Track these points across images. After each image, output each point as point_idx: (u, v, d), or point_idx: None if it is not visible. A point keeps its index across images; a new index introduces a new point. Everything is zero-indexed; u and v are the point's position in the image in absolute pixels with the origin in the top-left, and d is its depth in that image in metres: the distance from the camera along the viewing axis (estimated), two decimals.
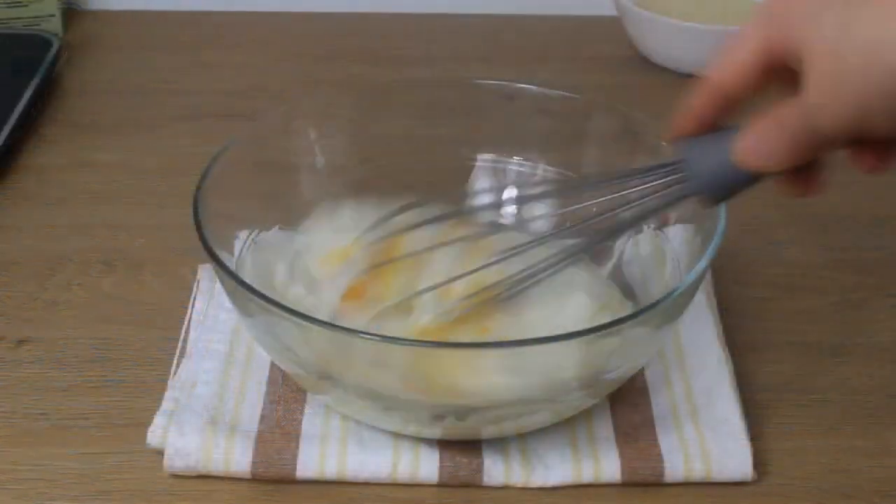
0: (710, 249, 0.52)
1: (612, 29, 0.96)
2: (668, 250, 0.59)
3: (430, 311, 0.54)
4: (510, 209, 0.65)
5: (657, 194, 0.50)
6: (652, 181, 0.50)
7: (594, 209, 0.54)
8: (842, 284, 0.68)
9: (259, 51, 0.96)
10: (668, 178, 0.50)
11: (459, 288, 0.55)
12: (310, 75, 0.92)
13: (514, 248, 0.55)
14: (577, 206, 0.56)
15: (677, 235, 0.59)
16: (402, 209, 0.57)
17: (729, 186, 0.48)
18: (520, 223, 0.65)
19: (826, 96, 0.42)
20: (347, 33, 0.99)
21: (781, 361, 0.62)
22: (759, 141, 0.45)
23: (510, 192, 0.66)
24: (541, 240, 0.57)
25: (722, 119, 0.48)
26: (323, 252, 0.59)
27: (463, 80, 0.67)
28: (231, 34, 0.99)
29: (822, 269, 0.69)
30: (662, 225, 0.60)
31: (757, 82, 0.46)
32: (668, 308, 0.50)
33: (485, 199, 0.66)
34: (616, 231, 0.56)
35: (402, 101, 0.66)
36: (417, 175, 0.66)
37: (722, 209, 0.53)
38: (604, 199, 0.53)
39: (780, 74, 0.45)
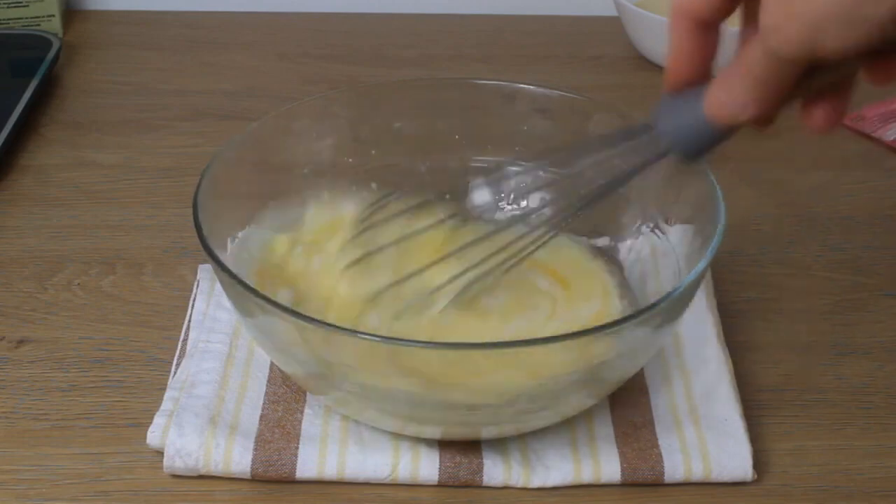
0: (710, 249, 0.52)
1: (612, 29, 0.96)
2: (667, 251, 0.59)
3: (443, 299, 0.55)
4: (488, 197, 0.65)
5: (632, 156, 0.50)
6: (624, 146, 0.50)
7: (572, 183, 0.54)
8: (842, 284, 0.68)
9: (259, 51, 0.96)
10: (640, 140, 0.49)
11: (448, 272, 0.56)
12: (310, 75, 0.92)
13: (495, 229, 0.56)
14: (554, 184, 0.56)
15: (677, 235, 0.59)
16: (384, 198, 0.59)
17: (702, 142, 0.48)
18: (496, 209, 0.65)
19: (778, 16, 0.41)
20: (347, 33, 0.99)
21: (781, 361, 0.62)
22: (726, 92, 0.45)
23: (490, 184, 0.66)
24: (519, 218, 0.57)
25: (709, 57, 0.47)
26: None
27: (463, 80, 0.67)
28: (231, 34, 0.99)
29: (822, 269, 0.69)
30: (664, 224, 0.60)
31: (724, 4, 0.45)
32: (668, 308, 0.50)
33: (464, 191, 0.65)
34: (593, 199, 0.54)
35: (401, 101, 0.66)
36: (417, 175, 0.66)
37: (721, 209, 0.53)
38: (579, 170, 0.53)
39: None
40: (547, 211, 0.59)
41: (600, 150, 0.52)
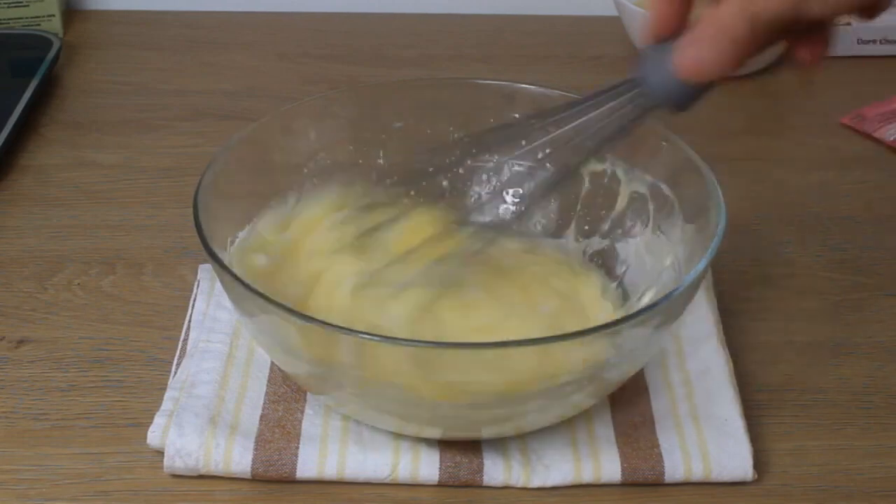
0: (710, 249, 0.52)
1: (612, 29, 0.96)
2: (667, 251, 0.59)
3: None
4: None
5: (619, 112, 0.50)
6: (612, 100, 0.50)
7: (558, 139, 0.53)
8: (842, 284, 0.68)
9: (259, 51, 0.96)
10: (629, 95, 0.49)
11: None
12: (310, 75, 0.92)
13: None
14: (540, 141, 0.55)
15: (677, 235, 0.59)
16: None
17: (688, 94, 0.48)
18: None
19: None
20: (347, 33, 0.99)
21: (781, 361, 0.62)
22: (698, 51, 0.45)
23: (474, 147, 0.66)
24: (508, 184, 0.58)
25: (687, 13, 0.48)
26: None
27: (463, 80, 0.67)
28: (231, 34, 0.99)
29: (822, 269, 0.69)
30: (663, 222, 0.60)
31: None
32: (668, 308, 0.50)
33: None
34: (583, 155, 0.54)
35: (401, 101, 0.66)
36: (417, 175, 0.66)
37: (722, 209, 0.53)
38: (567, 127, 0.52)
39: None
40: (538, 174, 0.58)
41: (588, 109, 0.51)
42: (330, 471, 0.53)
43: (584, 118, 0.51)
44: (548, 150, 0.54)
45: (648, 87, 0.49)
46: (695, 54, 0.45)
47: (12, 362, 0.61)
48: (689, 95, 0.48)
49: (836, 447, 0.56)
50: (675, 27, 0.48)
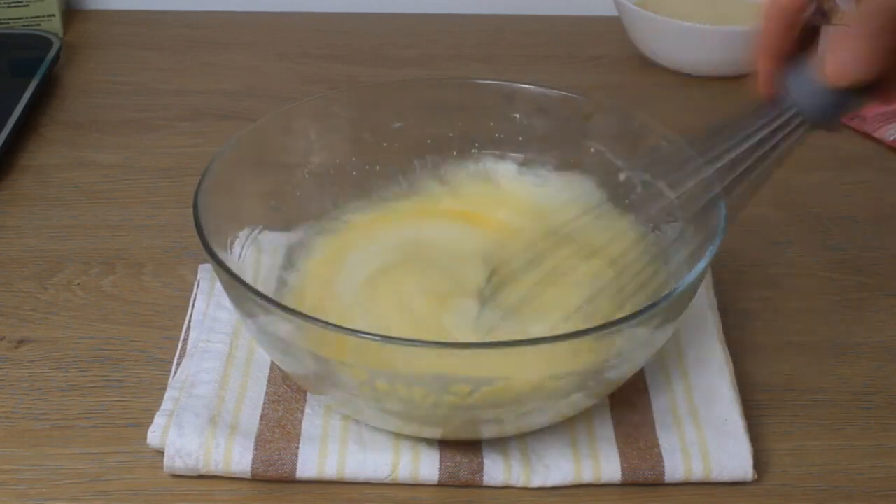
0: (710, 249, 0.52)
1: (612, 29, 0.96)
2: (667, 250, 0.59)
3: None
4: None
5: (773, 139, 0.49)
6: (761, 126, 0.49)
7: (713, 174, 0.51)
8: (842, 284, 0.68)
9: (259, 51, 0.96)
10: (779, 120, 0.48)
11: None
12: (310, 75, 0.92)
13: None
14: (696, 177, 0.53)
15: (677, 235, 0.59)
16: None
17: (839, 105, 0.47)
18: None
19: None
20: (347, 33, 0.99)
21: (781, 361, 0.62)
22: (850, 49, 0.43)
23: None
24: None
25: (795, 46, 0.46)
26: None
27: (463, 80, 0.68)
28: (231, 34, 0.99)
29: (822, 269, 0.69)
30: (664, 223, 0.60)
31: None
32: (668, 308, 0.50)
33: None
34: (748, 186, 0.51)
35: (402, 101, 0.66)
36: (417, 175, 0.66)
37: (721, 209, 0.53)
38: (721, 162, 0.51)
39: None
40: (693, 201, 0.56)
41: (739, 142, 0.50)
42: (330, 471, 0.53)
43: (736, 153, 0.50)
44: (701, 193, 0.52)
45: (798, 107, 0.48)
46: (845, 55, 0.44)
47: (12, 362, 0.61)
48: (839, 107, 0.47)
49: (836, 447, 0.56)
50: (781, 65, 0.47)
